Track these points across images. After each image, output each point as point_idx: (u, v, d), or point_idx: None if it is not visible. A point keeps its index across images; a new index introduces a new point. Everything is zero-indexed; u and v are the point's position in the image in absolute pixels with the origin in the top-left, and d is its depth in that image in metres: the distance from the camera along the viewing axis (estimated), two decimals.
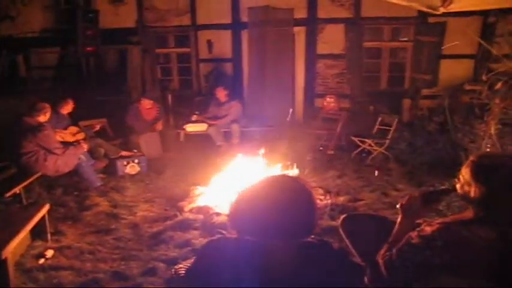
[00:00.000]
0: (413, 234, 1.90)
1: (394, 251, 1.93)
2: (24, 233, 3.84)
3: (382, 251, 2.04)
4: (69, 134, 6.53)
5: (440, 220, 1.98)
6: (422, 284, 1.87)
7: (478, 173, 1.88)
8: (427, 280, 1.85)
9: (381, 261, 1.99)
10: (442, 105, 7.62)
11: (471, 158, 1.97)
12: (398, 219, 2.18)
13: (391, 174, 6.47)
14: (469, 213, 1.94)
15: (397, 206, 2.24)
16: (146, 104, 7.74)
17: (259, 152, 5.79)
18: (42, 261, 4.01)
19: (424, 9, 4.29)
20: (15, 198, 5.11)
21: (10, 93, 8.10)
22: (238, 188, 1.67)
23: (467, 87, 7.86)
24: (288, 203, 1.54)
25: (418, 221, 2.18)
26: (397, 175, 6.40)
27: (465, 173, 1.94)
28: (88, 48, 8.72)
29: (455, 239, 1.79)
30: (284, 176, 1.75)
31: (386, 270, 1.95)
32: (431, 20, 8.33)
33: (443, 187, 2.54)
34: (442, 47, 8.44)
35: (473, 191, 1.89)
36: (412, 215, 2.17)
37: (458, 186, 2.00)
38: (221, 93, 8.16)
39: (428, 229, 1.86)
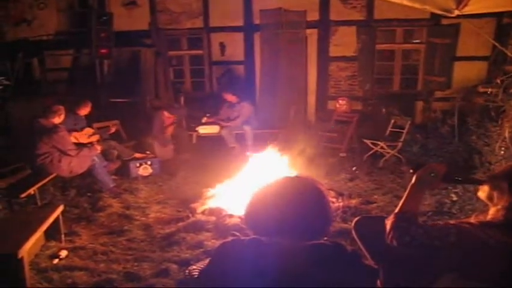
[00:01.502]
0: (433, 224, 1.88)
1: (412, 227, 1.88)
2: (39, 233, 3.90)
3: (390, 218, 2.01)
4: (84, 135, 6.59)
5: (457, 220, 1.96)
6: (427, 284, 1.86)
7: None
8: (432, 278, 1.83)
9: (389, 227, 1.96)
10: (455, 107, 7.56)
11: (506, 165, 1.95)
12: (409, 189, 2.12)
13: (403, 177, 6.43)
14: (486, 216, 1.93)
15: (411, 171, 2.16)
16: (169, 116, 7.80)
17: (271, 154, 5.79)
18: (56, 261, 4.06)
19: (439, 12, 4.27)
20: (30, 199, 5.19)
21: (25, 95, 8.19)
22: (253, 188, 1.69)
23: (481, 89, 7.77)
24: (302, 203, 1.56)
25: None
26: (410, 178, 6.33)
27: (501, 178, 1.92)
28: (102, 51, 8.78)
29: (469, 238, 1.77)
30: (299, 178, 1.76)
31: (391, 239, 1.92)
32: (444, 21, 8.26)
33: (474, 177, 2.46)
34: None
35: (506, 198, 1.87)
36: (425, 187, 2.12)
37: (487, 185, 1.98)
38: (230, 97, 8.18)
39: (445, 224, 1.85)
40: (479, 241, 1.77)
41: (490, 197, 1.96)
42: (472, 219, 1.94)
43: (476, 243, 1.77)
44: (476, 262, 1.75)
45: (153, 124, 7.64)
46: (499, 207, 1.89)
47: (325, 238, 1.63)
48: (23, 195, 4.96)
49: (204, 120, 8.28)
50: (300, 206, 1.55)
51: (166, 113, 7.75)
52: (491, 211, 1.93)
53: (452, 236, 1.78)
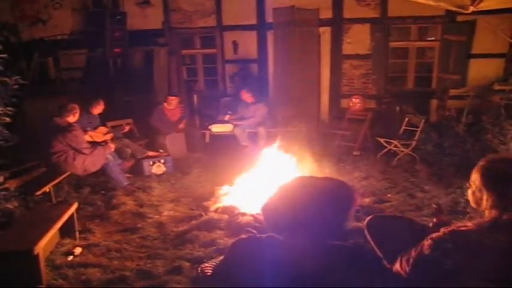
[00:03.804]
0: (429, 236, 1.87)
1: (412, 251, 1.90)
2: (54, 231, 3.95)
3: (397, 261, 2.01)
4: (98, 134, 6.65)
5: (455, 224, 1.94)
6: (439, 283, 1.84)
7: (489, 178, 1.84)
8: (442, 283, 1.81)
9: (398, 267, 1.96)
10: (470, 105, 7.46)
11: (481, 162, 1.91)
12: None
13: (417, 176, 6.38)
14: (484, 218, 1.90)
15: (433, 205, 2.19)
16: (172, 102, 7.83)
17: (284, 152, 5.78)
18: (70, 258, 4.11)
19: (453, 8, 4.22)
20: (45, 196, 5.25)
21: (40, 94, 8.28)
22: (270, 186, 1.68)
23: (497, 87, 7.67)
24: (323, 202, 1.54)
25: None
26: (424, 176, 6.31)
27: (475, 179, 1.89)
28: (115, 50, 8.85)
29: (466, 242, 1.76)
30: (324, 178, 1.74)
31: (405, 274, 1.92)
32: (459, 18, 8.16)
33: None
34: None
35: (485, 198, 1.85)
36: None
37: (469, 192, 1.96)
38: (246, 95, 8.19)
39: (440, 232, 1.84)
40: (476, 243, 1.75)
41: (476, 201, 1.93)
42: (469, 223, 1.92)
43: (473, 245, 1.75)
44: (477, 264, 1.73)
45: (153, 120, 7.69)
46: (488, 208, 1.86)
47: (352, 241, 1.62)
48: (38, 193, 5.03)
49: (227, 117, 8.29)
50: (320, 203, 1.54)
51: (165, 105, 7.81)
52: (486, 213, 1.90)
53: (449, 243, 1.77)
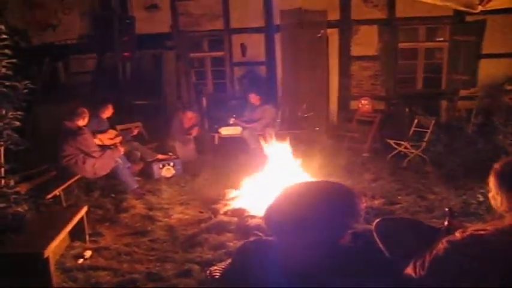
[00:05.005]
0: (445, 240, 1.85)
1: (426, 255, 1.88)
2: (64, 234, 3.97)
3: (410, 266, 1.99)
4: (108, 137, 6.69)
5: (472, 228, 1.92)
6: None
7: (502, 181, 1.83)
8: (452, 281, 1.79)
9: (410, 271, 1.95)
10: (480, 106, 7.40)
11: (495, 165, 1.90)
12: None
13: (427, 177, 6.33)
14: (503, 221, 1.88)
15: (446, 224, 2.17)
16: (189, 115, 7.85)
17: (292, 155, 5.77)
18: (81, 261, 4.13)
19: (461, 8, 4.19)
20: (55, 200, 5.28)
21: (50, 98, 8.35)
22: (276, 191, 1.67)
23: (508, 87, 7.60)
24: (325, 203, 1.54)
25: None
26: (434, 178, 6.26)
27: (491, 182, 1.88)
28: (124, 54, 8.91)
29: (485, 247, 1.73)
30: (325, 182, 1.74)
31: (418, 271, 1.90)
32: (468, 18, 8.09)
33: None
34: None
35: (499, 201, 1.83)
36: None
37: (490, 195, 1.94)
38: (254, 99, 8.20)
39: (458, 235, 1.81)
40: (495, 248, 1.72)
41: (496, 205, 1.91)
42: (488, 226, 1.89)
43: (492, 251, 1.73)
44: (495, 269, 1.71)
45: (172, 125, 7.70)
46: (506, 211, 1.84)
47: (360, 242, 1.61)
48: (49, 196, 5.06)
49: (232, 121, 8.31)
50: (323, 205, 1.54)
51: (189, 114, 7.81)
52: (508, 215, 1.88)
53: (467, 247, 1.75)
